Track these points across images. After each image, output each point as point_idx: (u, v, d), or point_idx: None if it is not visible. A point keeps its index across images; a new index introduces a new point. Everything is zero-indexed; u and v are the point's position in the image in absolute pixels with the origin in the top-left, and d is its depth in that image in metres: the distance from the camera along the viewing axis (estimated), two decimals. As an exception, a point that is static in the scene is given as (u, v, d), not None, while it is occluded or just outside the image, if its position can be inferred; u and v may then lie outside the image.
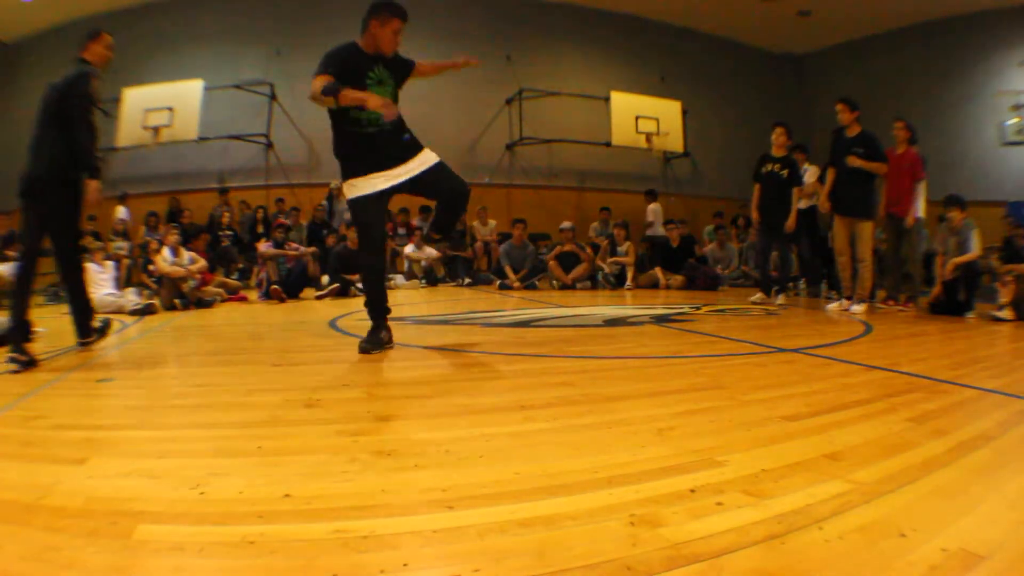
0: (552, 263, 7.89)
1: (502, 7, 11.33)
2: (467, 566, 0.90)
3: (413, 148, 2.91)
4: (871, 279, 5.13)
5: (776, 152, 5.85)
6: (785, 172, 5.77)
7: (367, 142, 2.81)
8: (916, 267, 5.33)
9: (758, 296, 5.97)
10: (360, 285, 6.76)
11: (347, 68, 2.68)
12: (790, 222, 5.76)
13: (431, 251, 8.58)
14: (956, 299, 4.70)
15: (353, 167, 2.85)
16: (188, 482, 1.21)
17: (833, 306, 5.23)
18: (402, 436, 1.56)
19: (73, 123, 2.91)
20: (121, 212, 8.86)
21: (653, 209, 9.99)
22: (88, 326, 3.24)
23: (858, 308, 4.90)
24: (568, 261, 7.89)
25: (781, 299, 5.81)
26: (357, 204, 2.88)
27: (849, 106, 5.06)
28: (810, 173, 6.29)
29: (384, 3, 2.75)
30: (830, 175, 5.18)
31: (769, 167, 5.84)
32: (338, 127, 2.83)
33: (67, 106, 2.94)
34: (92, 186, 2.96)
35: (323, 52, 2.87)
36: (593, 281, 8.00)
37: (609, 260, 8.11)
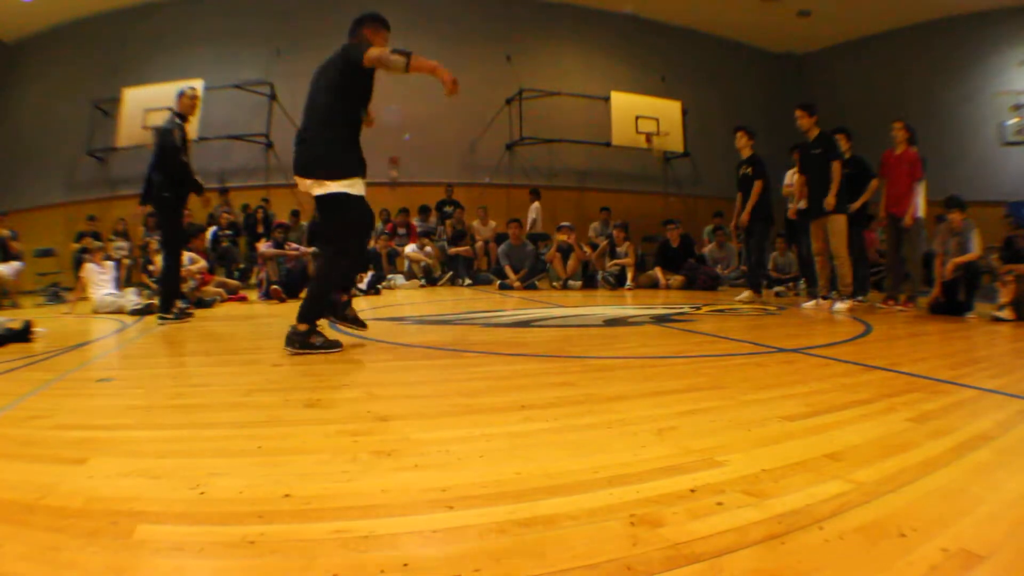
0: (556, 256, 7.90)
1: (502, 7, 11.34)
2: (467, 566, 0.90)
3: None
4: (850, 275, 5.12)
5: (743, 155, 5.97)
6: (750, 170, 5.85)
7: (357, 144, 2.89)
8: (916, 267, 5.34)
9: (745, 295, 6.01)
10: (361, 286, 6.76)
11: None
12: (744, 216, 5.83)
13: (431, 251, 8.58)
14: (956, 299, 4.69)
15: (358, 167, 2.86)
16: (188, 482, 1.21)
17: (808, 304, 5.27)
18: (402, 436, 1.55)
19: (157, 165, 4.32)
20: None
21: (535, 208, 9.97)
22: (168, 306, 4.40)
23: (841, 306, 4.90)
24: (568, 256, 7.91)
25: (763, 295, 5.86)
26: (362, 202, 2.86)
27: (807, 111, 5.15)
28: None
29: (372, 15, 2.90)
30: (799, 182, 5.31)
31: (742, 171, 5.95)
32: (346, 126, 2.84)
33: (157, 151, 4.36)
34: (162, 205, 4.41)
35: (323, 52, 2.93)
36: (593, 281, 8.00)
37: (609, 264, 8.10)
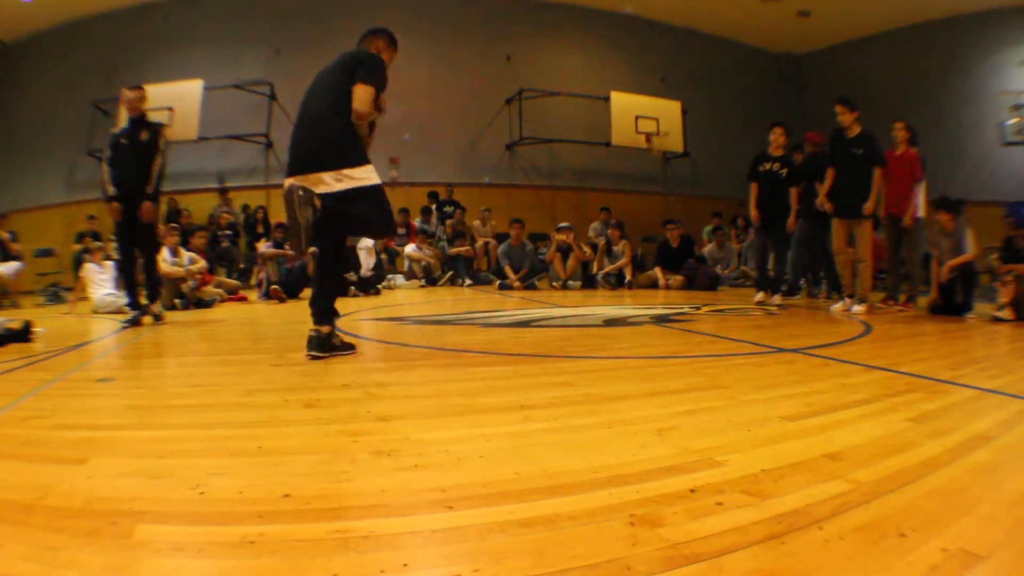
0: (556, 256, 7.90)
1: (502, 7, 11.33)
2: (467, 566, 0.90)
3: None
4: (871, 278, 5.13)
5: (774, 151, 5.88)
6: (784, 171, 5.79)
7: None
8: (916, 267, 5.34)
9: (760, 296, 5.97)
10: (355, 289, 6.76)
11: None
12: (791, 221, 5.78)
13: (430, 251, 8.58)
14: (953, 301, 4.69)
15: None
16: (188, 482, 1.21)
17: (837, 306, 5.20)
18: (402, 436, 1.55)
19: None
20: None
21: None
22: (150, 299, 4.43)
23: (858, 308, 4.89)
24: (568, 256, 7.92)
25: (777, 299, 5.81)
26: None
27: (849, 107, 5.05)
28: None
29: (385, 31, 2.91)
30: (829, 175, 5.18)
31: (767, 166, 5.86)
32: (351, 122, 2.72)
33: None
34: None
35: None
36: (592, 281, 7.99)
37: (605, 270, 8.04)
